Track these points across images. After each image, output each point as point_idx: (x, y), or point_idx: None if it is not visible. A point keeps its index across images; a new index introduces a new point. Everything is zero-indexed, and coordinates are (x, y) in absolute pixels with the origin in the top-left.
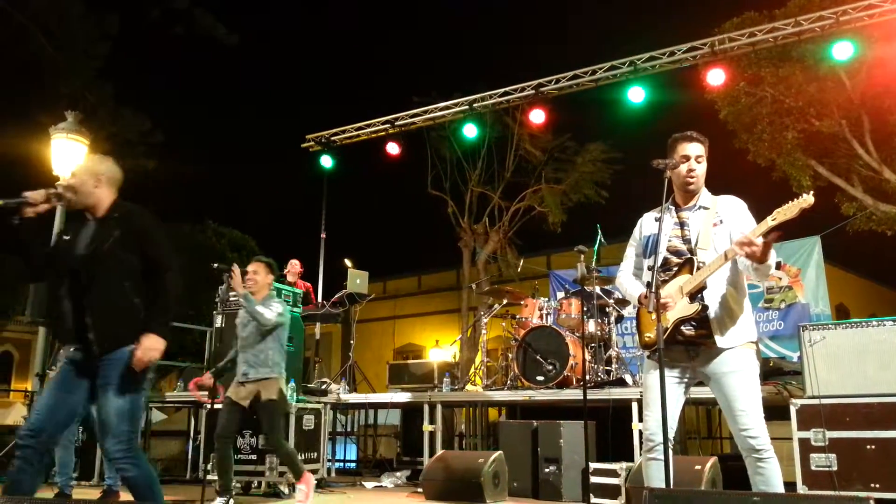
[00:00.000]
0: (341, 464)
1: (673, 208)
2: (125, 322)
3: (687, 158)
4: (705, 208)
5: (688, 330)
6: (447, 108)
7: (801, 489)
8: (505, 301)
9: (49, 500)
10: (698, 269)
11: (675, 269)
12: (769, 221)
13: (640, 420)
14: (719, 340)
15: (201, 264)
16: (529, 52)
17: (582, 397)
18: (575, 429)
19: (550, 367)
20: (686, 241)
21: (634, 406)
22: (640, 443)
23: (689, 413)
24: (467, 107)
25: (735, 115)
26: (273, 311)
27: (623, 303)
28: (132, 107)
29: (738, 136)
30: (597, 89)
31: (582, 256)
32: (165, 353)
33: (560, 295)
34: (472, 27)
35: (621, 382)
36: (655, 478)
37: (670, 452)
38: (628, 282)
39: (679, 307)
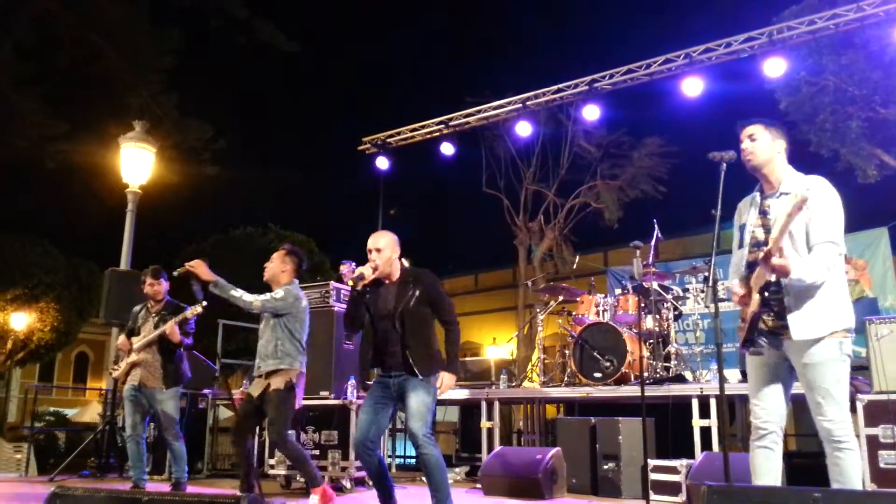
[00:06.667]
0: (402, 459)
1: (759, 195)
2: (431, 355)
3: (741, 140)
4: (786, 194)
5: (769, 320)
6: (500, 106)
7: (870, 487)
8: (561, 298)
9: (125, 491)
10: None
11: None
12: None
13: (702, 417)
14: (794, 332)
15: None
16: (582, 47)
17: (640, 394)
18: (633, 425)
19: (608, 364)
20: (767, 230)
21: (695, 402)
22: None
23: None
24: (520, 105)
25: (796, 105)
26: (266, 295)
27: (680, 299)
28: (195, 115)
29: (800, 126)
30: (652, 83)
31: (638, 252)
32: (230, 352)
33: (618, 292)
34: (524, 25)
35: (681, 379)
36: (761, 466)
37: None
38: (731, 276)
39: (753, 301)
